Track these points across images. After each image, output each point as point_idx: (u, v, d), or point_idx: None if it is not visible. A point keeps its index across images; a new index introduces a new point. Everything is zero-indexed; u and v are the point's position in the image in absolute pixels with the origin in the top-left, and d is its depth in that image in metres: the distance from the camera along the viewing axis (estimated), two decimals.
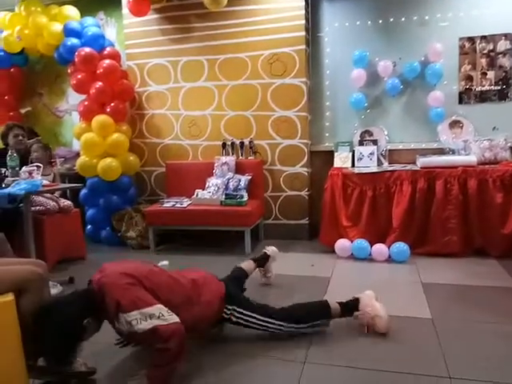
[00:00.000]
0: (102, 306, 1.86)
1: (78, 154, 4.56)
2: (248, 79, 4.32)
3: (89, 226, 4.44)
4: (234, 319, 2.21)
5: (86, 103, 4.25)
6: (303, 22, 4.11)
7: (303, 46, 4.14)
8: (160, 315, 1.80)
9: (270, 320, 2.23)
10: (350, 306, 2.35)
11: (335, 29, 4.29)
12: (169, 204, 4.08)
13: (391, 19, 4.12)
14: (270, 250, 3.09)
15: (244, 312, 2.21)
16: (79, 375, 1.96)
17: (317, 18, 4.32)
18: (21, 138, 3.68)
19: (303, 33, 4.12)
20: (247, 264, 2.85)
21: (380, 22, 4.15)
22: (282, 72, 4.21)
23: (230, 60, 4.35)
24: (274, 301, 2.78)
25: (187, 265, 3.60)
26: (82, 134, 4.23)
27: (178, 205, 4.03)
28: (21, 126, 3.81)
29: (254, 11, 4.22)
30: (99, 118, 4.15)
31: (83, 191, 4.33)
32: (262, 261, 3.04)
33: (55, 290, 3.01)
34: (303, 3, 4.09)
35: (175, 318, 1.83)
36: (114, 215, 4.27)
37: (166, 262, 3.63)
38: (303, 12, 4.10)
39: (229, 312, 2.20)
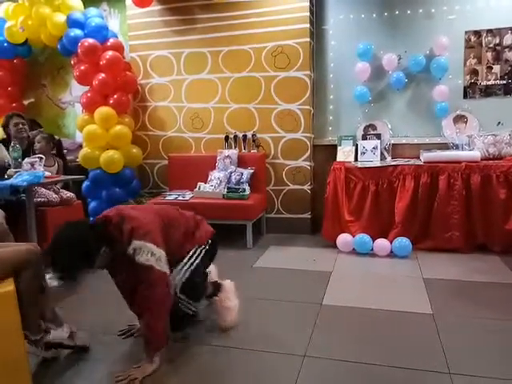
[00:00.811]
0: (118, 235, 1.94)
1: (80, 146, 4.56)
2: (251, 72, 4.30)
3: (91, 219, 4.44)
4: (187, 260, 2.17)
5: (89, 95, 4.24)
6: (307, 13, 4.07)
7: (307, 39, 4.10)
8: (159, 259, 1.91)
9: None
10: (211, 289, 2.39)
11: (340, 21, 4.25)
12: (171, 197, 4.08)
13: (396, 12, 4.08)
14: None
15: (196, 267, 2.19)
16: (72, 348, 2.08)
17: (321, 10, 4.27)
18: (21, 126, 3.67)
19: (307, 25, 4.08)
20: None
21: (385, 14, 4.10)
22: (285, 65, 4.19)
23: (233, 52, 4.32)
24: (272, 295, 2.79)
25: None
26: (84, 125, 4.22)
27: (181, 198, 4.03)
28: (20, 115, 3.80)
29: (257, 2, 4.18)
30: (102, 110, 4.15)
31: (86, 183, 4.33)
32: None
33: (56, 282, 3.02)
34: None
35: (167, 270, 1.96)
36: None
37: None
38: (307, 4, 4.06)
39: (196, 252, 2.22)
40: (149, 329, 1.94)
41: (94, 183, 4.30)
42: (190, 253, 2.21)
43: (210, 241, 2.34)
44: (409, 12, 4.05)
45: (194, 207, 3.93)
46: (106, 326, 2.41)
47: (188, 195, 4.07)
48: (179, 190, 4.27)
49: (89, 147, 4.24)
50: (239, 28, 4.26)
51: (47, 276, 2.97)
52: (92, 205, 4.41)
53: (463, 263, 3.29)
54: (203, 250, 2.27)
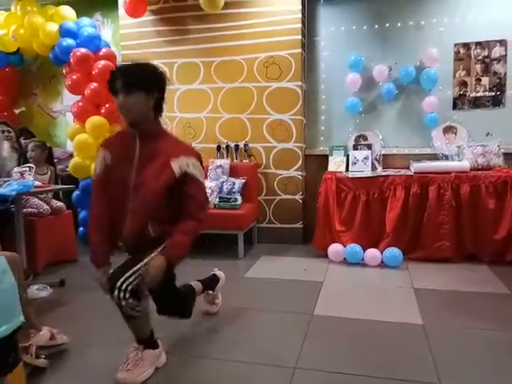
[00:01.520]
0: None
1: (71, 155, 4.54)
2: (244, 82, 4.32)
3: (81, 228, 4.41)
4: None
5: (81, 104, 4.24)
6: (299, 25, 4.11)
7: (299, 50, 4.14)
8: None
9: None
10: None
11: (331, 33, 4.30)
12: None
13: (387, 24, 4.13)
14: (218, 273, 2.68)
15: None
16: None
17: (313, 21, 4.33)
18: (6, 134, 3.64)
19: (299, 36, 4.12)
20: (195, 284, 2.41)
21: (376, 26, 4.16)
22: (277, 75, 4.22)
23: (225, 63, 4.34)
24: (263, 305, 2.78)
25: (179, 268, 3.60)
26: (75, 134, 4.21)
27: None
28: (5, 123, 3.78)
29: (250, 14, 4.22)
30: (93, 119, 4.14)
31: (76, 193, 4.30)
32: (212, 283, 2.59)
33: (44, 292, 2.99)
34: (300, 7, 4.10)
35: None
36: None
37: None
38: (299, 16, 4.10)
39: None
40: (187, 234, 1.86)
41: (84, 193, 4.26)
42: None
43: None
44: (399, 24, 4.11)
45: None
46: (94, 336, 2.38)
47: None
48: None
49: (80, 156, 4.22)
50: (232, 39, 4.29)
51: (35, 287, 2.95)
52: (82, 214, 4.37)
53: (453, 273, 3.30)
54: None
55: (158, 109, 1.91)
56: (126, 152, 1.89)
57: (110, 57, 4.31)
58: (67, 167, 4.44)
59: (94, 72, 4.14)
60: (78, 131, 4.22)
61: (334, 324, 2.50)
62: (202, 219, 1.92)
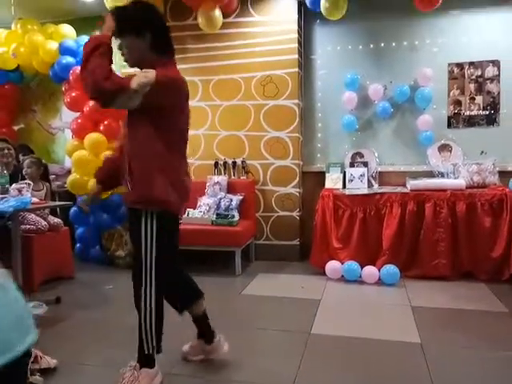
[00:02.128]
0: None
1: (69, 172, 4.55)
2: (241, 100, 4.37)
3: (78, 245, 4.40)
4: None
5: (80, 121, 4.27)
6: (296, 45, 4.18)
7: (296, 69, 4.21)
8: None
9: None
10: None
11: (327, 52, 4.37)
12: None
13: (382, 44, 4.21)
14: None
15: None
16: None
17: (309, 41, 4.41)
18: (6, 151, 3.65)
19: (296, 56, 4.19)
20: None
21: (371, 46, 4.24)
22: (274, 93, 4.27)
23: (223, 81, 4.40)
24: (260, 323, 2.76)
25: None
26: (74, 151, 4.23)
27: None
28: (5, 140, 3.78)
29: (247, 34, 4.30)
30: (92, 136, 4.16)
31: (73, 209, 4.30)
32: (210, 336, 2.26)
33: (40, 310, 2.96)
34: (296, 27, 4.18)
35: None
36: (104, 234, 4.24)
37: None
38: (296, 35, 4.18)
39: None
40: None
41: (81, 209, 4.26)
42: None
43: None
44: (394, 44, 4.19)
45: (183, 233, 3.92)
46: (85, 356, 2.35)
47: None
48: None
49: (78, 173, 4.23)
50: (229, 58, 4.35)
51: (30, 304, 2.92)
52: (79, 231, 4.36)
53: (450, 291, 3.30)
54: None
55: (159, 48, 1.89)
56: None
57: None
58: (65, 183, 4.44)
59: None
60: (76, 148, 4.24)
61: (331, 343, 2.48)
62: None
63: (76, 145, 4.26)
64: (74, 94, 4.23)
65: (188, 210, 4.15)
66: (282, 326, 2.73)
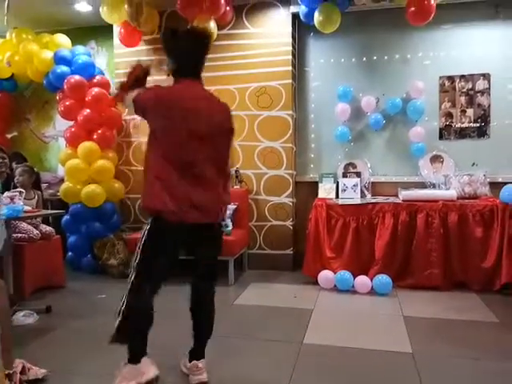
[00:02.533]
0: None
1: (62, 180, 4.54)
2: (236, 110, 4.37)
3: (69, 254, 4.37)
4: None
5: (73, 130, 4.27)
6: (290, 57, 4.24)
7: (290, 80, 4.25)
8: None
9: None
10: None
11: (321, 64, 4.43)
12: None
13: (374, 57, 4.28)
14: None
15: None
16: None
17: (303, 53, 4.46)
18: (1, 160, 3.63)
19: (290, 67, 4.24)
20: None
21: (364, 59, 4.30)
22: (268, 104, 4.31)
23: (218, 91, 4.36)
24: (252, 334, 2.76)
25: (168, 295, 3.56)
26: (67, 160, 4.22)
27: None
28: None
29: (242, 45, 4.34)
30: (85, 145, 4.16)
31: (65, 217, 4.28)
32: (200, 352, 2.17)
33: (31, 319, 2.94)
34: (290, 40, 4.23)
35: None
36: (96, 242, 4.22)
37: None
38: (290, 48, 4.23)
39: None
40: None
41: (73, 218, 4.25)
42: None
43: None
44: (386, 57, 4.26)
45: None
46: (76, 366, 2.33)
47: None
48: None
49: (71, 181, 4.22)
50: (224, 69, 4.39)
51: (21, 313, 2.90)
52: (71, 239, 4.34)
53: (442, 301, 3.32)
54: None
55: (177, 72, 2.10)
56: None
57: (104, 84, 4.38)
58: (57, 192, 4.43)
59: (87, 98, 4.20)
60: (69, 156, 4.24)
61: (323, 353, 2.48)
62: None
63: (69, 153, 4.26)
64: (67, 103, 4.24)
65: None
66: (274, 336, 2.72)
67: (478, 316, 3.00)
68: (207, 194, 2.02)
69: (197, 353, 2.14)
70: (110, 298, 3.43)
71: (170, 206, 1.93)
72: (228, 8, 4.05)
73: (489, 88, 4.06)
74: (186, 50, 2.07)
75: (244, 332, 2.79)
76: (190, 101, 2.02)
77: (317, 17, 3.73)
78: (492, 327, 2.82)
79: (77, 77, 4.18)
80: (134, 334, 2.01)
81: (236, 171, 4.39)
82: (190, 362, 2.13)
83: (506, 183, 3.64)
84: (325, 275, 3.64)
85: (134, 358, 1.99)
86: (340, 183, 4.17)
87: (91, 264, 4.28)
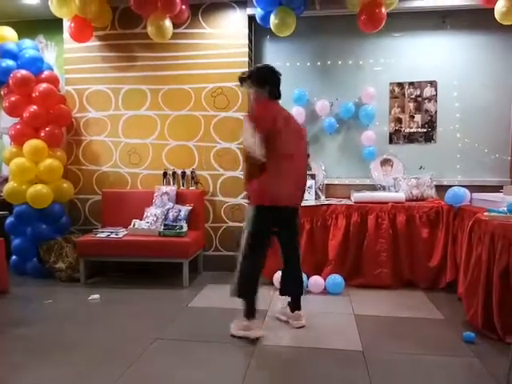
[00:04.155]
0: None
1: (6, 180, 4.30)
2: (191, 110, 4.36)
3: (13, 257, 4.14)
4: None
5: (19, 127, 4.06)
6: (246, 59, 4.25)
7: None
8: None
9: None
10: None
11: (277, 67, 4.43)
12: (103, 234, 3.92)
13: (329, 62, 4.38)
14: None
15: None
16: None
17: (260, 56, 4.49)
18: None
19: (246, 69, 4.23)
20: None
21: (318, 64, 4.39)
22: (225, 105, 4.30)
23: (173, 91, 4.37)
24: (206, 337, 2.73)
25: (120, 299, 3.47)
26: (12, 158, 4.01)
27: (113, 235, 3.88)
28: None
29: (198, 45, 4.31)
30: (32, 143, 3.97)
31: (9, 219, 4.06)
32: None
33: None
34: (247, 41, 4.24)
35: None
36: (42, 245, 4.02)
37: (97, 296, 3.47)
38: (246, 50, 4.24)
39: None
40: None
41: (18, 219, 4.03)
42: None
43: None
44: (340, 63, 4.37)
45: (128, 245, 3.82)
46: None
47: (121, 232, 3.93)
48: (112, 226, 4.12)
49: (15, 181, 4.00)
50: (180, 68, 4.33)
51: None
52: (15, 242, 4.11)
53: (392, 300, 3.43)
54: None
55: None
56: None
57: (52, 80, 4.20)
58: (1, 192, 4.19)
59: (34, 94, 4.01)
60: (14, 155, 4.02)
61: (276, 353, 2.50)
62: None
63: (14, 152, 4.05)
64: (13, 99, 4.02)
65: (134, 220, 4.05)
66: (228, 339, 2.70)
67: (425, 313, 3.13)
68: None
69: (296, 305, 2.92)
70: (57, 304, 3.29)
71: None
72: (184, 7, 4.00)
73: (435, 95, 4.26)
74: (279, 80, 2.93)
75: (197, 335, 2.76)
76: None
77: (273, 20, 3.77)
78: (437, 324, 2.95)
79: (23, 71, 3.99)
80: (247, 295, 2.71)
81: (192, 172, 4.34)
82: (293, 312, 2.91)
83: (450, 186, 3.83)
84: (280, 276, 3.66)
85: (248, 314, 2.67)
86: None
87: (37, 268, 4.08)
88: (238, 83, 2.94)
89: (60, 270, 3.95)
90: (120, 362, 2.33)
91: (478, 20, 4.07)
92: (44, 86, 4.04)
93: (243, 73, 2.93)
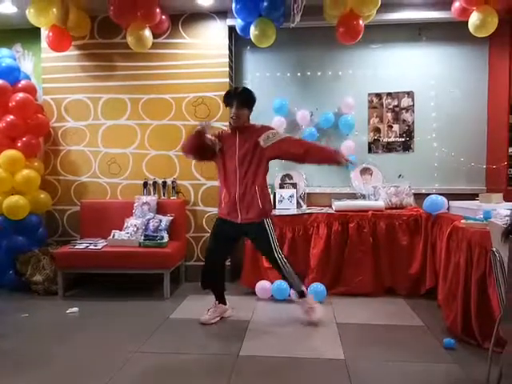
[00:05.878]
0: None
1: None
2: (172, 120, 4.34)
3: None
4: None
5: None
6: (227, 69, 4.26)
7: None
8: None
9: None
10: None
11: (257, 78, 4.50)
12: (82, 246, 3.84)
13: (308, 73, 4.43)
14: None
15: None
16: None
17: (240, 66, 4.52)
18: None
19: (227, 79, 4.27)
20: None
21: (298, 74, 4.44)
22: (206, 115, 4.29)
23: (153, 100, 4.35)
24: (187, 348, 2.69)
25: (100, 311, 3.40)
26: None
27: (92, 246, 3.81)
28: None
29: (178, 55, 4.31)
30: (8, 153, 3.88)
31: None
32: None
33: None
34: (227, 52, 4.27)
35: None
36: (18, 257, 3.91)
37: (75, 309, 3.39)
38: (227, 60, 4.26)
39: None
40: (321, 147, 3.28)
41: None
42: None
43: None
44: (319, 73, 4.43)
45: (107, 256, 3.75)
46: None
47: (101, 243, 3.87)
48: (91, 238, 4.05)
49: None
50: (160, 78, 4.32)
51: None
52: None
53: (373, 307, 3.46)
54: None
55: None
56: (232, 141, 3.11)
57: (30, 89, 4.13)
58: None
59: (11, 104, 3.93)
60: None
61: (258, 364, 2.48)
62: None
63: None
64: None
65: (114, 231, 3.98)
66: (210, 350, 2.67)
67: (406, 321, 3.16)
68: None
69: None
70: (34, 317, 3.20)
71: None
72: (164, 17, 4.00)
73: (413, 105, 4.36)
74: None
75: (179, 347, 2.72)
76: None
77: (253, 31, 3.80)
78: (418, 331, 2.98)
79: (0, 81, 3.91)
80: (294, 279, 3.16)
81: (173, 182, 4.31)
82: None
83: (428, 194, 3.90)
84: (262, 285, 3.66)
85: (302, 294, 3.15)
86: (277, 194, 4.24)
87: (13, 281, 3.96)
88: (237, 103, 3.10)
89: (37, 283, 3.84)
90: (98, 376, 2.27)
91: (452, 32, 4.19)
92: (21, 95, 3.97)
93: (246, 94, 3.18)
